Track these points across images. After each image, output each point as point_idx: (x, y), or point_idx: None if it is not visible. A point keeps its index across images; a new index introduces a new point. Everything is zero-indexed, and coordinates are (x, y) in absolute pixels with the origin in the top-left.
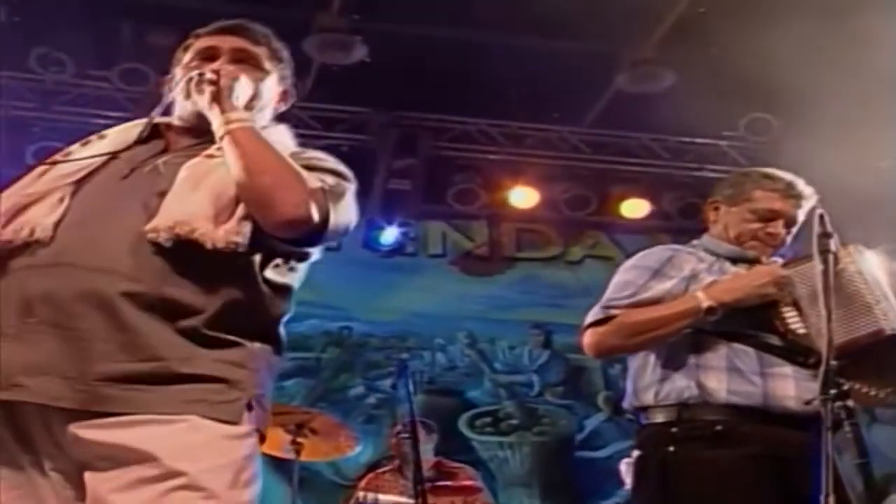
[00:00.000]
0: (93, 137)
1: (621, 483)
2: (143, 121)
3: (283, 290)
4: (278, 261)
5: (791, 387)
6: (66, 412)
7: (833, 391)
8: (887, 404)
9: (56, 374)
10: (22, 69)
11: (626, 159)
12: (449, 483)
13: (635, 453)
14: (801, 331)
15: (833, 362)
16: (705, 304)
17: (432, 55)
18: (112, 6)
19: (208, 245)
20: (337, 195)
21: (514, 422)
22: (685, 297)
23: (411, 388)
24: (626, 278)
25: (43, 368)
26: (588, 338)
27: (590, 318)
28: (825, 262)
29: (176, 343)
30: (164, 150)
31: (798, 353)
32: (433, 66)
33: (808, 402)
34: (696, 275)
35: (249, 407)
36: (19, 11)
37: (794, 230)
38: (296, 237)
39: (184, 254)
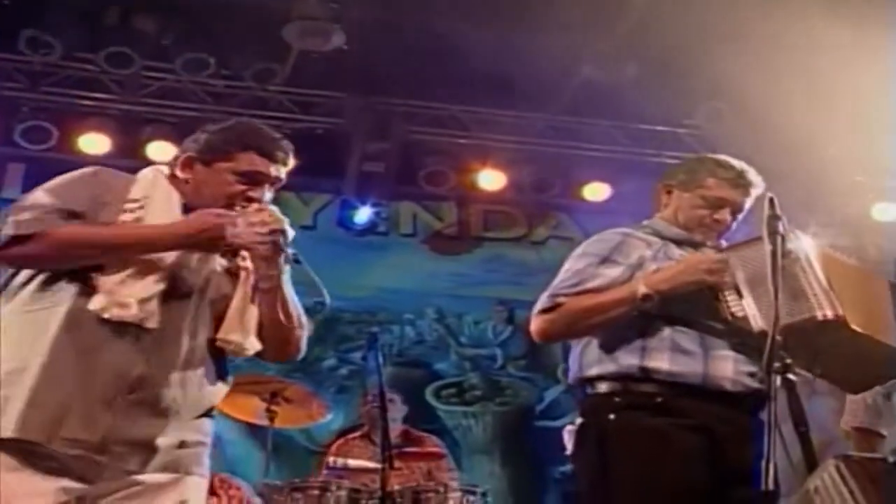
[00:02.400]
0: (135, 195)
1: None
2: (174, 196)
3: None
4: None
5: (730, 367)
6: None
7: (777, 364)
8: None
9: (141, 445)
10: (11, 51)
11: (589, 145)
12: (415, 449)
13: (578, 420)
14: (740, 314)
15: (778, 337)
16: (641, 291)
17: (406, 44)
18: None
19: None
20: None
21: (478, 393)
22: (625, 284)
23: (381, 360)
24: (575, 266)
25: (134, 440)
26: (535, 325)
27: (538, 305)
28: (773, 243)
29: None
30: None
31: (736, 334)
32: (407, 54)
33: (752, 374)
34: (642, 263)
35: None
36: None
37: (740, 217)
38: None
39: (220, 354)
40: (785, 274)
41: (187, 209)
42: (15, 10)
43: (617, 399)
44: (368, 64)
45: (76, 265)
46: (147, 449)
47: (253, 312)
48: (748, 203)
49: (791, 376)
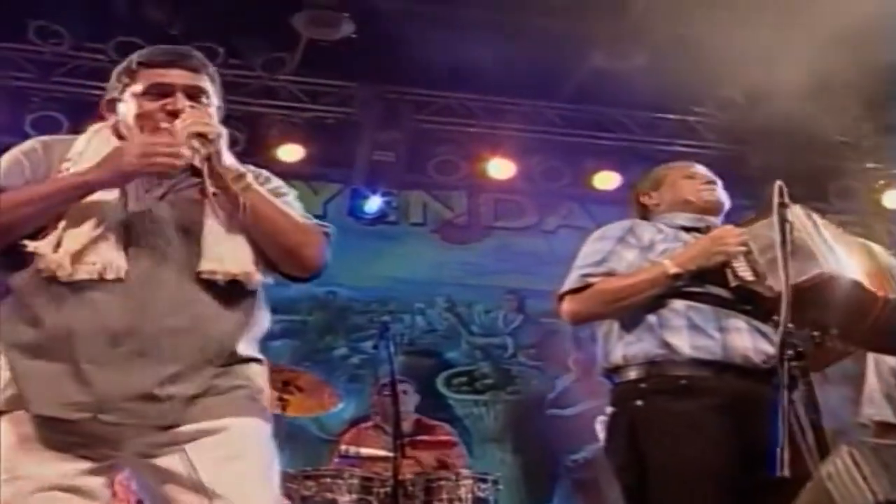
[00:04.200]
0: (71, 154)
1: (591, 439)
2: (113, 139)
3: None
4: None
5: (747, 339)
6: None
7: (790, 352)
8: (839, 353)
9: (149, 397)
10: (21, 41)
11: (599, 133)
12: (427, 438)
13: (608, 410)
14: (749, 277)
15: (790, 325)
16: (672, 270)
17: (415, 32)
18: None
19: (251, 286)
20: (328, 237)
21: (489, 381)
22: (654, 265)
23: (392, 349)
24: (595, 248)
25: (138, 393)
26: (567, 305)
27: (567, 285)
28: (783, 231)
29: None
30: (147, 180)
31: (746, 301)
32: (416, 43)
33: (765, 362)
34: (653, 244)
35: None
36: None
37: (724, 194)
38: (306, 277)
39: (227, 291)
40: (794, 248)
41: None
42: (24, 1)
43: (643, 385)
44: (378, 53)
45: (16, 235)
46: (159, 400)
47: (230, 233)
48: (714, 178)
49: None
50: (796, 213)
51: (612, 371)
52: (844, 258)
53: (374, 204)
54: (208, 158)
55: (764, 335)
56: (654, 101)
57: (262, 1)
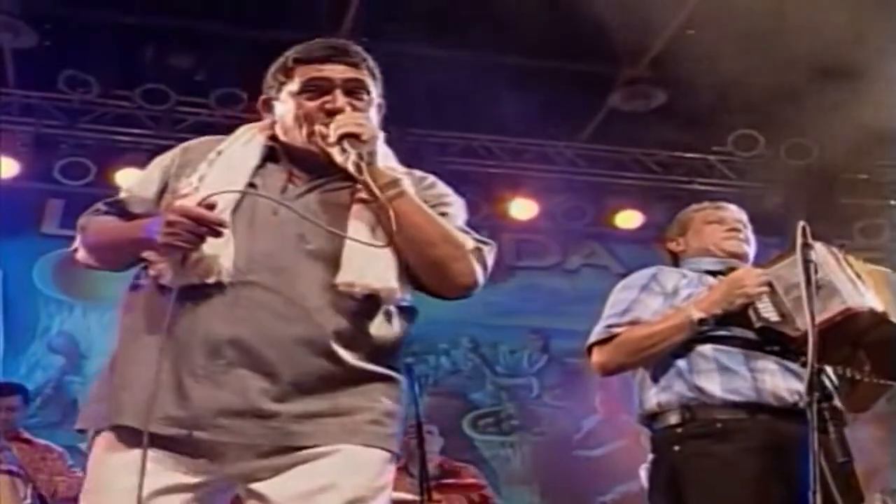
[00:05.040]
0: (211, 154)
1: (620, 479)
2: (258, 137)
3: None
4: None
5: (779, 379)
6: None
7: (818, 393)
8: (880, 390)
9: (251, 414)
10: (52, 90)
11: (620, 173)
12: (453, 481)
13: (649, 457)
14: (774, 318)
15: (816, 365)
16: (697, 316)
17: (437, 75)
18: (135, 30)
19: (390, 304)
20: (488, 255)
21: (515, 422)
22: (678, 311)
23: (417, 390)
24: (620, 297)
25: (238, 409)
26: (595, 357)
27: (593, 337)
28: (807, 271)
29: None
30: (289, 179)
31: (774, 342)
32: (438, 85)
33: (798, 402)
34: (677, 290)
35: None
36: (50, 36)
37: (751, 234)
38: (454, 296)
39: (362, 305)
40: (818, 286)
41: (274, 151)
42: (56, 51)
43: (679, 430)
44: (401, 95)
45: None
46: (262, 418)
47: (373, 245)
48: (744, 217)
49: (836, 403)
50: (819, 250)
51: (650, 418)
52: (870, 292)
53: None
54: (360, 161)
55: (795, 374)
56: (674, 140)
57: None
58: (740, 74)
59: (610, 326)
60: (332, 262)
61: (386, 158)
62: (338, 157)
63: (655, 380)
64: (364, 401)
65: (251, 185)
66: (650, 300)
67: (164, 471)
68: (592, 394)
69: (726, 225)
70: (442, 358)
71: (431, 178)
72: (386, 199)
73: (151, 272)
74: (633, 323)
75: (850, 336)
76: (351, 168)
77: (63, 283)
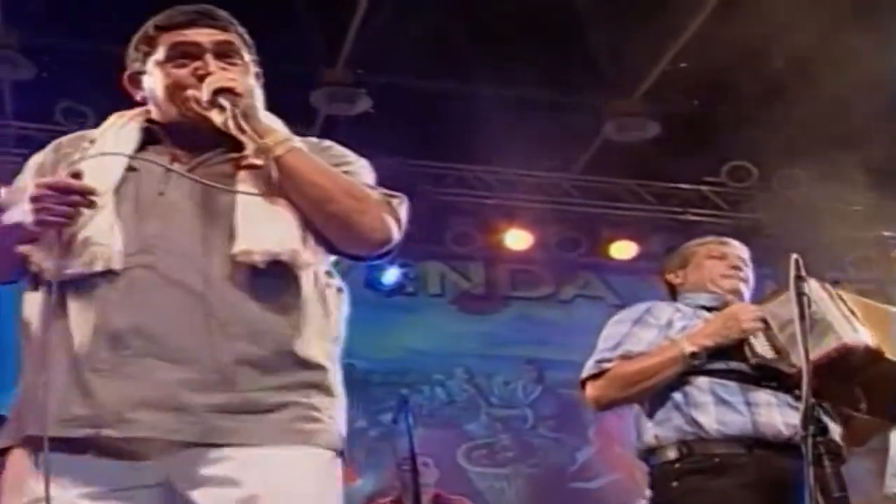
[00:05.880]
0: (85, 144)
1: None
2: (133, 122)
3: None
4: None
5: (776, 413)
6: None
7: (813, 427)
8: (878, 425)
9: (165, 406)
10: (48, 121)
11: (614, 203)
12: None
13: (647, 493)
14: (770, 355)
15: (812, 400)
16: (688, 350)
17: (431, 106)
18: None
19: (300, 269)
20: (398, 207)
21: (510, 454)
22: (671, 345)
23: (411, 421)
24: (612, 331)
25: (149, 401)
26: (589, 392)
27: (585, 372)
28: (800, 304)
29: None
30: (172, 160)
31: (770, 377)
32: (432, 117)
33: (795, 435)
34: (671, 323)
35: None
36: (47, 68)
37: (750, 272)
38: (371, 254)
39: (272, 278)
40: (812, 322)
41: (152, 134)
42: (51, 83)
43: (677, 466)
44: (395, 127)
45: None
46: (178, 411)
47: (271, 207)
48: (746, 255)
49: (833, 437)
50: (812, 286)
51: (648, 452)
52: (864, 327)
53: (391, 275)
54: (237, 114)
55: (793, 408)
56: (668, 171)
57: (281, 78)
58: (733, 105)
59: (600, 361)
60: (229, 235)
61: (273, 122)
62: (217, 119)
63: (653, 413)
64: (292, 395)
65: (131, 169)
66: (643, 332)
67: (77, 478)
68: (587, 425)
69: (728, 262)
70: (437, 388)
71: (328, 142)
72: (272, 152)
73: (33, 269)
74: (624, 357)
75: (845, 372)
76: (231, 126)
77: None
